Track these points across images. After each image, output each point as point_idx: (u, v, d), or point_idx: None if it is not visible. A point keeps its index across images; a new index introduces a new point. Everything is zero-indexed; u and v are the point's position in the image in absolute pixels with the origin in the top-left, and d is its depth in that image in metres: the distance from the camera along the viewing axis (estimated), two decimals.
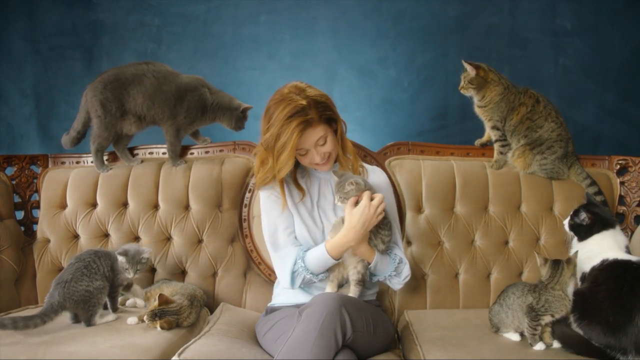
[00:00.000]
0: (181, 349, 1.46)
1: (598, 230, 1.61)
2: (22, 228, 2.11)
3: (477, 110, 2.07)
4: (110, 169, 2.12)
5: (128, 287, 1.84)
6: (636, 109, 2.61)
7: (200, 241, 2.06)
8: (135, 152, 2.21)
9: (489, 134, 2.09)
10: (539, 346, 1.50)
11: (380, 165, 2.07)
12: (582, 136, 2.47)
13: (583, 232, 1.63)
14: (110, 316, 1.73)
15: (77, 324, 1.70)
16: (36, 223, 2.13)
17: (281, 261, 1.65)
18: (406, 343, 1.68)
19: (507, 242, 2.02)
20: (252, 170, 2.08)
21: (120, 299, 1.83)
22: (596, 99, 2.61)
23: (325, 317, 1.34)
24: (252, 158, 2.10)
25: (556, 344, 1.52)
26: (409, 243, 2.02)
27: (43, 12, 2.72)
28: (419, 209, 2.03)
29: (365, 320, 1.45)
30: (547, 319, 1.50)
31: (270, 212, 1.70)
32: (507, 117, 2.02)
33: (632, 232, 1.97)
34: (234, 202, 2.08)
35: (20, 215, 2.14)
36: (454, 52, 2.59)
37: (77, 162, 2.21)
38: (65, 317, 1.72)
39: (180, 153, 2.14)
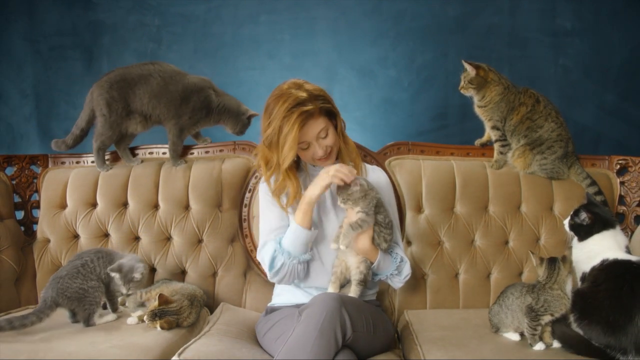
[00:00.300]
0: (181, 349, 1.46)
1: (598, 230, 1.61)
2: (22, 228, 2.11)
3: (477, 110, 2.07)
4: (110, 168, 2.12)
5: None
6: (636, 109, 2.61)
7: (200, 241, 2.06)
8: (136, 152, 2.21)
9: (489, 133, 2.09)
10: (539, 346, 1.50)
11: (380, 165, 2.07)
12: (582, 136, 2.47)
13: (583, 232, 1.63)
14: (110, 316, 1.74)
15: (77, 324, 1.71)
16: (36, 223, 2.13)
17: (265, 252, 1.66)
18: (406, 343, 1.68)
19: (507, 242, 2.02)
20: (253, 170, 2.09)
21: (120, 298, 1.83)
22: (596, 99, 2.61)
23: (325, 317, 1.34)
24: (253, 158, 2.11)
25: (556, 344, 1.52)
26: (409, 243, 2.02)
27: (43, 12, 2.72)
28: (419, 209, 2.03)
29: (365, 320, 1.46)
30: (546, 318, 1.50)
31: (266, 211, 1.72)
32: (507, 117, 2.02)
33: (632, 232, 1.97)
34: (234, 202, 2.08)
35: (20, 215, 2.14)
36: (454, 52, 2.59)
37: (77, 162, 2.21)
38: (65, 317, 1.72)
39: (181, 153, 2.14)
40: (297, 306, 1.61)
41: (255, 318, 1.79)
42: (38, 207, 2.13)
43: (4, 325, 1.58)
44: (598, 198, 1.95)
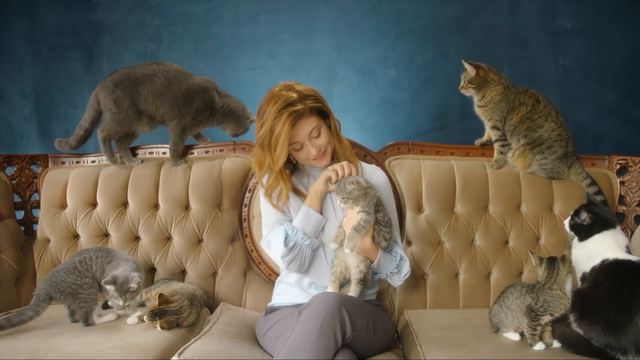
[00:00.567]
0: (181, 348, 1.46)
1: (598, 230, 1.61)
2: (22, 228, 2.11)
3: (477, 110, 2.07)
4: (142, 161, 2.12)
5: None
6: (636, 109, 2.61)
7: (200, 241, 2.06)
8: (136, 152, 2.20)
9: (489, 133, 2.09)
10: (539, 346, 1.50)
11: (380, 165, 2.07)
12: (582, 136, 2.47)
13: (583, 232, 1.63)
14: (109, 316, 1.74)
15: (76, 323, 1.71)
16: (36, 223, 2.13)
17: (273, 235, 1.67)
18: (406, 343, 1.68)
19: (507, 242, 2.02)
20: (252, 170, 2.08)
21: None
22: (596, 99, 2.61)
23: (325, 317, 1.34)
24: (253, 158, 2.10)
25: (556, 344, 1.52)
26: (409, 243, 2.02)
27: (43, 12, 2.72)
28: (419, 209, 2.03)
29: (365, 320, 1.46)
30: (546, 318, 1.50)
31: (267, 207, 1.72)
32: (507, 116, 2.02)
33: (632, 232, 1.97)
34: (234, 202, 2.08)
35: (20, 215, 2.14)
36: (454, 52, 2.59)
37: (77, 162, 2.21)
38: (66, 318, 1.72)
39: (181, 153, 2.14)
40: (297, 306, 1.61)
41: (255, 318, 1.79)
42: (38, 207, 2.13)
43: (3, 323, 1.59)
44: (598, 198, 1.95)
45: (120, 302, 1.68)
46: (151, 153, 2.21)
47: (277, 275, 1.87)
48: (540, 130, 2.00)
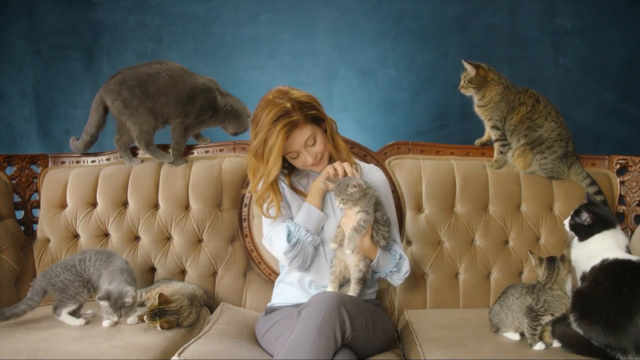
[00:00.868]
0: (181, 348, 1.46)
1: (599, 230, 1.61)
2: (22, 228, 2.11)
3: (477, 110, 2.07)
4: (175, 160, 2.10)
5: None
6: (636, 109, 2.61)
7: (200, 241, 2.06)
8: (136, 152, 2.20)
9: (489, 133, 2.09)
10: (539, 346, 1.50)
11: (380, 164, 2.07)
12: (582, 136, 2.47)
13: (584, 232, 1.63)
14: (76, 321, 1.70)
15: (76, 319, 1.71)
16: (36, 223, 2.13)
17: (275, 232, 1.66)
18: (406, 342, 1.68)
19: (507, 242, 2.02)
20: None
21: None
22: (596, 99, 2.61)
23: (324, 316, 1.34)
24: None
25: (556, 344, 1.52)
26: (409, 243, 2.02)
27: (43, 12, 2.72)
28: (419, 209, 2.03)
29: (364, 320, 1.45)
30: (547, 318, 1.49)
31: (266, 220, 1.71)
32: (507, 116, 2.02)
33: (632, 232, 1.97)
34: (234, 202, 2.08)
35: (20, 214, 2.13)
36: (454, 52, 2.59)
37: (77, 162, 2.21)
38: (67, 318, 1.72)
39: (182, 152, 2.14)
40: (297, 306, 1.61)
41: (255, 318, 1.79)
42: (38, 206, 2.13)
43: None
44: (598, 198, 1.95)
45: (115, 318, 1.63)
46: None
47: (277, 275, 1.87)
48: (540, 130, 2.00)
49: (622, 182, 2.07)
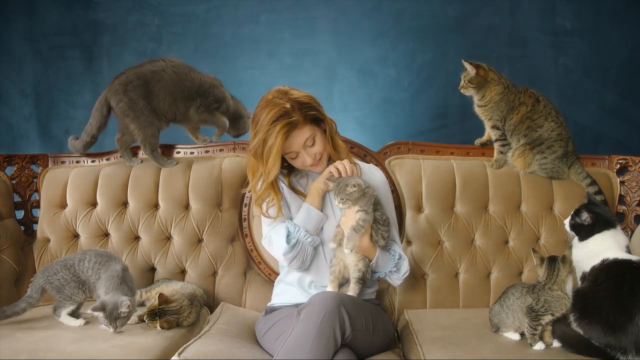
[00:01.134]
0: (181, 348, 1.46)
1: (599, 230, 1.61)
2: (22, 227, 2.11)
3: (477, 110, 2.07)
4: (177, 163, 2.10)
5: None
6: (636, 108, 2.61)
7: (200, 240, 2.06)
8: (136, 152, 2.20)
9: (489, 133, 2.09)
10: (539, 346, 1.50)
11: (380, 164, 2.07)
12: (582, 136, 2.47)
13: (584, 231, 1.63)
14: (75, 322, 1.70)
15: (76, 320, 1.71)
16: (36, 222, 2.13)
17: (275, 233, 1.67)
18: (406, 342, 1.68)
19: (507, 242, 2.02)
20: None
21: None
22: (596, 99, 2.61)
23: (324, 316, 1.34)
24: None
25: (556, 344, 1.51)
26: (409, 242, 2.02)
27: (43, 12, 2.72)
28: (419, 209, 2.03)
29: (364, 319, 1.45)
30: (547, 318, 1.49)
31: (265, 221, 1.71)
32: (507, 116, 2.02)
33: (632, 232, 1.97)
34: (234, 202, 2.08)
35: (20, 214, 2.13)
36: (454, 52, 2.59)
37: (77, 162, 2.21)
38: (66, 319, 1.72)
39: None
40: (297, 306, 1.61)
41: (255, 318, 1.79)
42: (38, 206, 2.13)
43: None
44: (598, 197, 1.95)
45: (111, 330, 1.59)
46: None
47: (277, 275, 1.87)
48: (540, 130, 2.00)
49: (622, 182, 2.07)
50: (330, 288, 1.62)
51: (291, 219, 1.69)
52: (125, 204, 2.08)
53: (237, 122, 2.15)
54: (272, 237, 1.66)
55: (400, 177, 2.06)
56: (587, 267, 1.57)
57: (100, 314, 1.58)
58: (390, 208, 1.78)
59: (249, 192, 1.93)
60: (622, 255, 1.55)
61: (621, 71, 2.60)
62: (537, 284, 1.52)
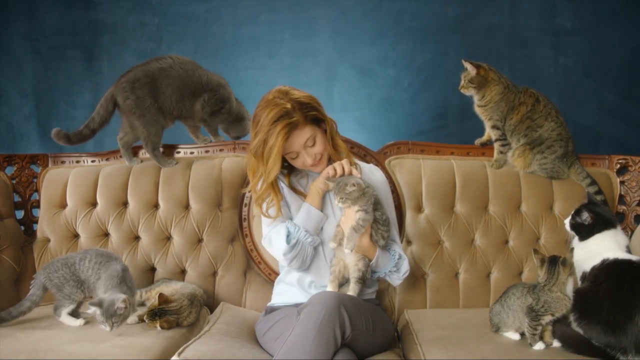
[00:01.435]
0: (181, 348, 1.46)
1: (599, 230, 1.61)
2: (22, 227, 2.11)
3: (477, 110, 2.07)
4: (177, 163, 2.10)
5: None
6: (636, 108, 2.61)
7: (200, 240, 2.06)
8: (136, 152, 2.20)
9: (489, 133, 2.09)
10: (539, 346, 1.50)
11: (380, 164, 2.07)
12: (582, 136, 2.47)
13: (584, 231, 1.63)
14: (75, 321, 1.70)
15: (76, 320, 1.71)
16: (36, 222, 2.13)
17: (275, 233, 1.67)
18: (406, 342, 1.68)
19: (507, 242, 2.02)
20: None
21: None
22: (596, 99, 2.61)
23: (324, 316, 1.34)
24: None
25: (556, 343, 1.51)
26: (409, 242, 2.02)
27: (43, 12, 2.72)
28: (419, 209, 2.03)
29: (364, 319, 1.45)
30: (547, 318, 1.49)
31: (265, 221, 1.71)
32: (507, 116, 2.02)
33: (632, 232, 1.97)
34: (234, 202, 2.08)
35: (20, 214, 2.13)
36: (454, 52, 2.59)
37: (77, 162, 2.21)
38: (66, 319, 1.72)
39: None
40: (297, 306, 1.60)
41: (255, 318, 1.79)
42: (38, 206, 2.13)
43: (5, 316, 1.64)
44: (598, 197, 1.95)
45: (107, 329, 1.56)
46: None
47: (277, 274, 1.87)
48: (540, 129, 2.00)
49: (622, 182, 2.07)
50: (330, 288, 1.62)
51: (291, 219, 1.69)
52: (125, 203, 2.08)
53: (238, 124, 2.15)
54: (272, 237, 1.66)
55: (400, 177, 2.06)
56: (587, 267, 1.57)
57: (97, 310, 1.57)
58: (390, 208, 1.78)
59: (249, 192, 1.93)
60: (622, 255, 1.55)
61: (621, 71, 2.60)
62: (538, 285, 1.52)
